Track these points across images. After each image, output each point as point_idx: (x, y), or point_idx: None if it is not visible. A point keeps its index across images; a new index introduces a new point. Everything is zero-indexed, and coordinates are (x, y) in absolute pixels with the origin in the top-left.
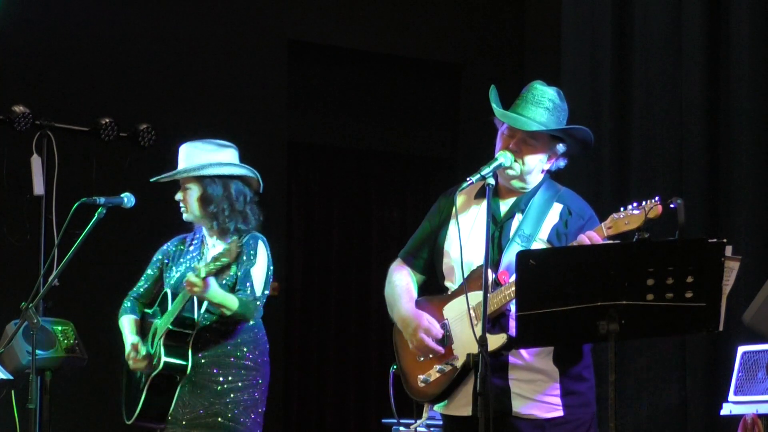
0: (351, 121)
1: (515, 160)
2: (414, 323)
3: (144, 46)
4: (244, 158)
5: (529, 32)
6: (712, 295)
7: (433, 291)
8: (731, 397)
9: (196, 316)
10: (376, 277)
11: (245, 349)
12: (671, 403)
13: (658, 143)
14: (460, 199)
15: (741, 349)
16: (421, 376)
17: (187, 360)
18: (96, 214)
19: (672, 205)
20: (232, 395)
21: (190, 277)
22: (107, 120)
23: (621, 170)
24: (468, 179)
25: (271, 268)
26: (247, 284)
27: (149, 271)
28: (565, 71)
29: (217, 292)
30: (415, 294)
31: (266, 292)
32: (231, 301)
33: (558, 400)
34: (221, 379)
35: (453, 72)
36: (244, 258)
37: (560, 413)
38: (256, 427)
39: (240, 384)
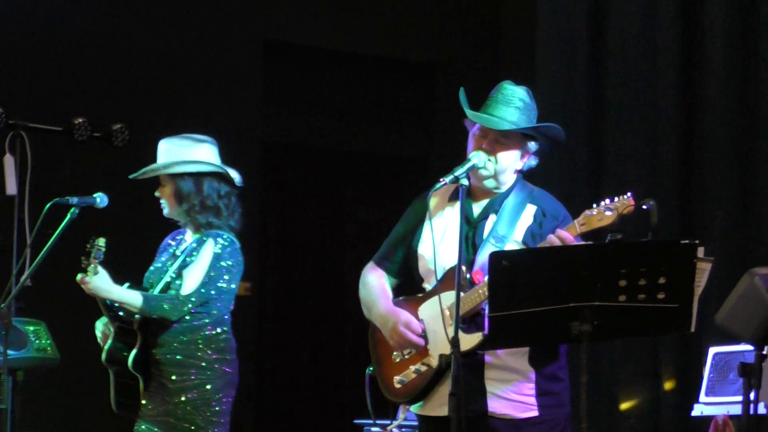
0: (326, 121)
1: (489, 160)
2: (393, 318)
3: (118, 46)
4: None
5: (503, 32)
6: (684, 296)
7: (408, 294)
8: (702, 398)
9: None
10: (350, 277)
11: (198, 349)
12: (643, 404)
13: (632, 144)
14: (433, 201)
15: (712, 350)
16: (398, 377)
17: (128, 354)
18: (69, 214)
19: (645, 207)
20: (183, 395)
21: (79, 276)
22: (81, 120)
23: (595, 171)
24: (441, 180)
25: (226, 265)
26: (178, 283)
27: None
28: (540, 71)
29: (110, 290)
30: (390, 294)
31: (212, 291)
32: (132, 299)
33: (533, 400)
34: (174, 377)
35: (427, 72)
36: (193, 256)
37: (535, 413)
38: (212, 426)
39: (191, 383)
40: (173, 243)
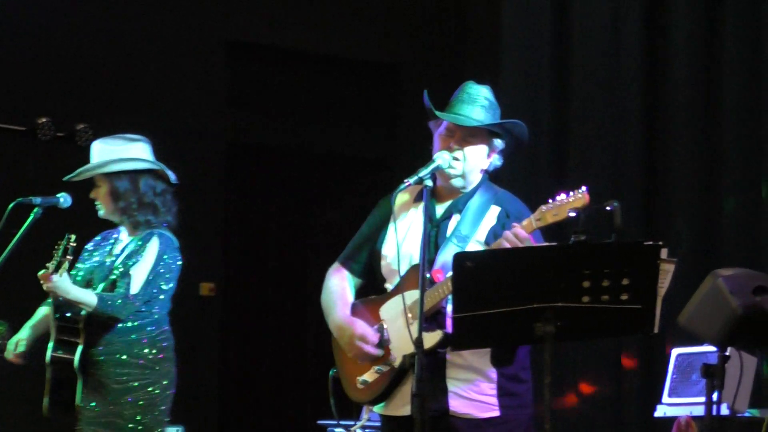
0: (290, 122)
1: (454, 159)
2: (348, 331)
3: (81, 46)
4: (182, 159)
5: (468, 33)
6: (647, 298)
7: (373, 294)
8: (665, 399)
9: (84, 311)
10: (314, 277)
11: (143, 348)
12: (606, 404)
13: (595, 145)
14: (398, 202)
15: (675, 351)
16: (360, 378)
17: (74, 355)
18: (32, 214)
19: (608, 208)
20: (128, 395)
21: (41, 272)
22: (44, 120)
23: (558, 172)
24: (405, 181)
25: (168, 263)
26: (124, 281)
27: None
28: (505, 72)
29: (69, 289)
30: (350, 298)
31: (155, 290)
32: (88, 298)
33: (495, 400)
34: (118, 378)
35: (392, 73)
36: (136, 257)
37: (497, 413)
38: (158, 426)
39: (137, 383)
40: (105, 242)
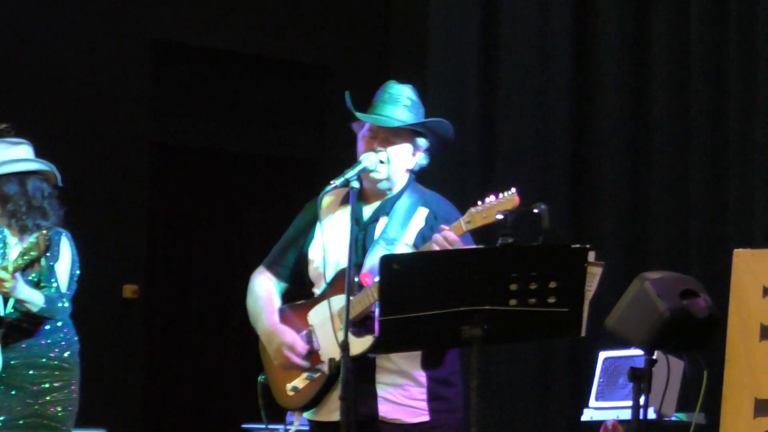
0: (216, 123)
1: (380, 162)
2: (277, 340)
3: (4, 45)
4: (106, 159)
5: (395, 35)
6: (574, 301)
7: (299, 299)
8: (592, 402)
9: (2, 312)
10: (240, 280)
11: (57, 350)
12: (532, 408)
13: (523, 147)
14: (325, 204)
15: (602, 355)
16: (290, 384)
17: None
18: None
19: (536, 210)
20: (49, 396)
21: (0, 273)
22: None
23: (486, 174)
24: (332, 183)
25: (77, 264)
26: (53, 281)
27: None
28: (432, 73)
29: (24, 289)
30: (278, 303)
31: (73, 288)
32: (37, 298)
33: (424, 405)
34: (37, 380)
35: (319, 73)
36: (49, 253)
37: (426, 418)
38: (72, 424)
39: (57, 384)
40: None
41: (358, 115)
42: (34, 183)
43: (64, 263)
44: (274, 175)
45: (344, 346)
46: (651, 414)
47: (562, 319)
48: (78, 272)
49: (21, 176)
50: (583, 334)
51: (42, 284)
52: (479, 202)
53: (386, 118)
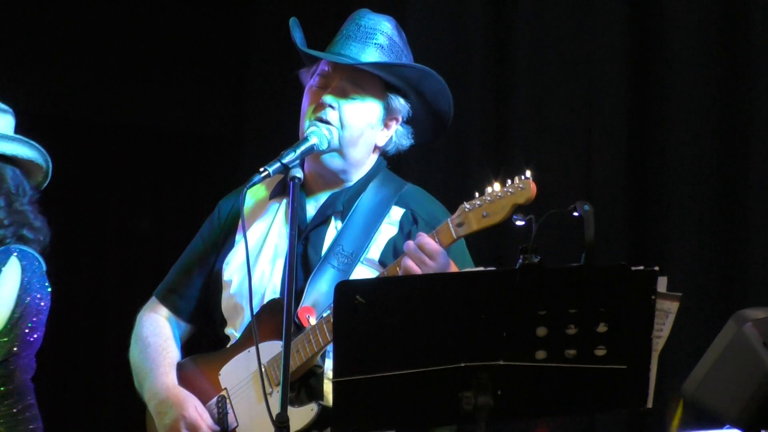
0: (74, 82)
1: (329, 125)
2: (173, 412)
3: None
4: None
5: None
6: (636, 353)
7: (209, 344)
8: None
9: None
10: (113, 314)
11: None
12: None
13: (557, 119)
14: (249, 202)
15: None
16: None
17: None
18: None
19: (576, 213)
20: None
21: None
22: None
23: (496, 157)
24: (262, 170)
25: (32, 289)
26: None
27: None
28: (413, 4)
29: None
30: (176, 354)
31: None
32: None
33: None
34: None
35: (238, 11)
36: None
37: None
38: None
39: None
40: None
41: (305, 50)
42: (14, 175)
43: (4, 292)
44: (170, 159)
45: (281, 421)
46: None
47: (616, 381)
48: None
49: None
50: (649, 405)
51: None
52: (477, 195)
53: (346, 58)
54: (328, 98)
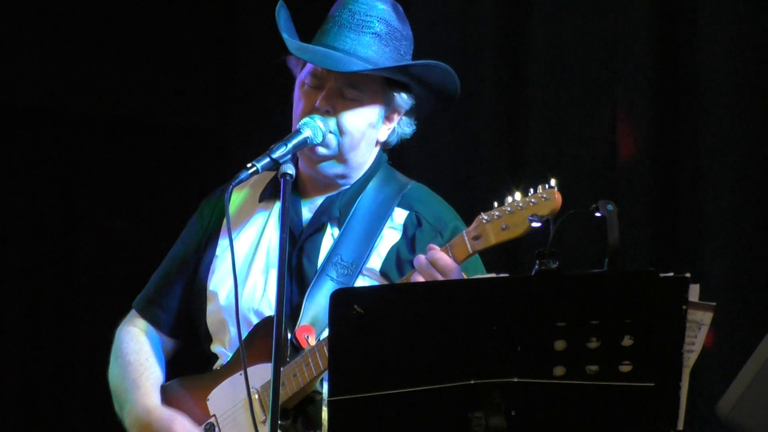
0: (49, 72)
1: (330, 131)
2: None
3: None
4: None
5: None
6: (665, 370)
7: (194, 364)
8: None
9: None
10: (85, 325)
11: None
12: None
13: (577, 108)
14: (236, 203)
15: None
16: None
17: None
18: None
19: (598, 213)
20: None
21: None
22: None
23: (509, 152)
24: (249, 165)
25: None
26: None
27: None
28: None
29: None
30: (159, 373)
31: None
32: None
33: None
34: None
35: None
36: None
37: None
38: None
39: None
40: None
41: (291, 46)
42: None
43: None
44: (148, 154)
45: None
46: None
47: (643, 400)
48: None
49: None
50: (680, 427)
51: None
52: (496, 204)
53: (340, 56)
54: (323, 104)
